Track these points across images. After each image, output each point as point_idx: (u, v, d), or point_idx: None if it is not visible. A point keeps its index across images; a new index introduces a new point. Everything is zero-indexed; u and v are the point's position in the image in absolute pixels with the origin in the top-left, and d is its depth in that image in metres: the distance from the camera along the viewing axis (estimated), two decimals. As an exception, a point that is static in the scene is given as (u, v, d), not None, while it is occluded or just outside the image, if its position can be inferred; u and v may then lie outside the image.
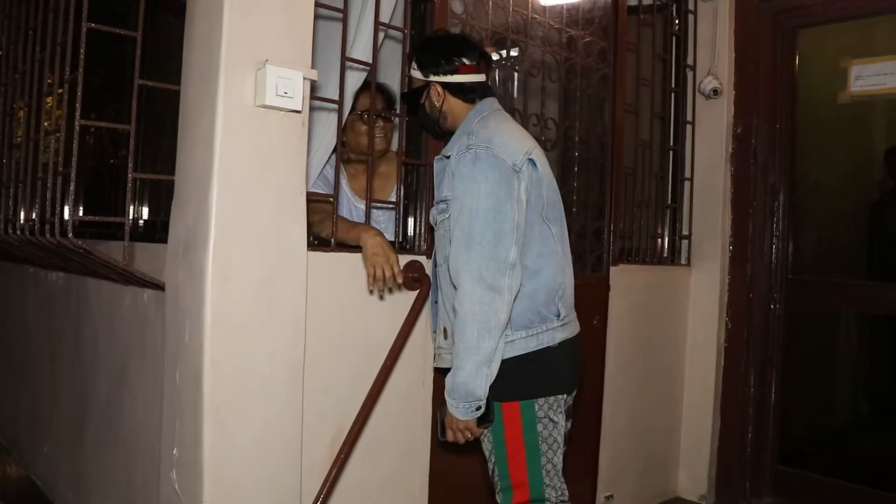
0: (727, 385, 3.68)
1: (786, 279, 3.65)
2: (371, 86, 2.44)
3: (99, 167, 3.93)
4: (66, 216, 2.11)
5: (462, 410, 1.97)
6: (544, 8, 3.00)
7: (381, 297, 2.36)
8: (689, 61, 3.74)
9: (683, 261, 3.73)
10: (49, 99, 2.50)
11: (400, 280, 2.26)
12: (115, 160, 3.80)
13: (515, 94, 2.98)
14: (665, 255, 3.67)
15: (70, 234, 2.07)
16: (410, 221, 2.61)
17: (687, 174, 3.73)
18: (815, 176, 3.78)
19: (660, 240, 3.67)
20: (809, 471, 3.57)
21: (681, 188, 3.72)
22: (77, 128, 2.04)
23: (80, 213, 3.57)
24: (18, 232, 2.53)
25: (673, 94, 3.71)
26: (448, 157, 2.10)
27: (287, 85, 2.00)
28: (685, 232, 3.73)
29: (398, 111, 2.64)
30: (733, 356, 3.67)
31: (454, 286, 1.99)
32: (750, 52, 3.68)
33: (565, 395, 2.12)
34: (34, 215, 2.43)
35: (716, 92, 3.67)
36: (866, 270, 3.61)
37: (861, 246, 3.68)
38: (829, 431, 3.82)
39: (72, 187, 2.03)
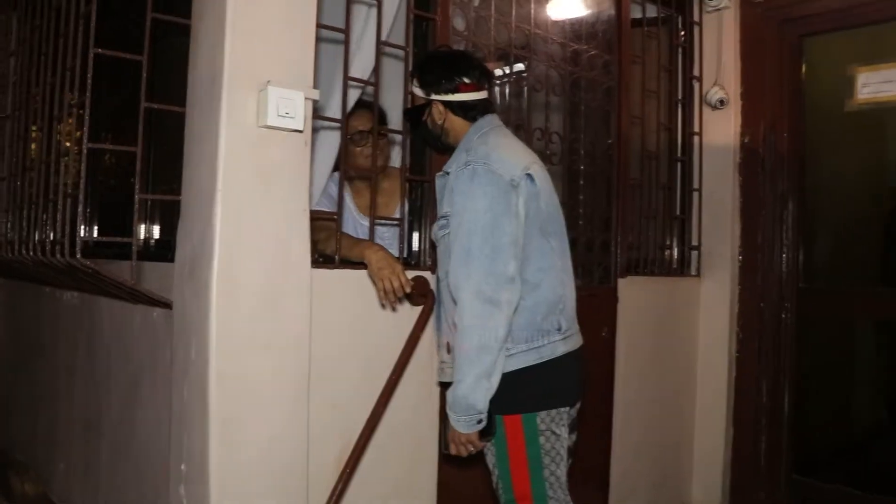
0: (739, 395, 3.66)
1: (797, 288, 3.63)
2: (361, 105, 2.49)
3: (119, 188, 3.99)
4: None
5: (464, 424, 1.99)
6: (547, 23, 3.02)
7: (394, 309, 2.40)
8: (695, 72, 3.74)
9: (693, 271, 3.72)
10: (70, 120, 2.56)
11: (408, 289, 2.28)
12: (135, 180, 3.86)
13: (524, 109, 2.99)
14: (674, 266, 3.67)
15: (78, 255, 2.12)
16: (415, 237, 2.64)
17: (695, 185, 3.73)
18: (825, 184, 3.77)
19: (669, 251, 3.67)
20: (826, 481, 3.54)
21: (689, 199, 3.72)
22: (85, 150, 2.10)
23: (96, 234, 3.63)
24: (31, 252, 2.59)
25: (679, 106, 3.72)
26: (449, 174, 2.13)
27: (288, 105, 2.03)
28: (695, 243, 3.73)
29: (390, 126, 2.70)
30: (745, 366, 3.66)
31: (454, 301, 2.02)
32: (756, 62, 3.69)
33: (568, 408, 2.13)
34: (49, 236, 2.49)
35: (722, 102, 3.67)
36: (880, 277, 3.58)
37: (875, 253, 3.66)
38: (846, 440, 3.78)
39: (80, 208, 2.09)
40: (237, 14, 2.01)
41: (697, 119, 3.74)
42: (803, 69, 3.68)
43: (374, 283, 2.30)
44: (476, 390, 1.94)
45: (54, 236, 2.37)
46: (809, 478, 3.59)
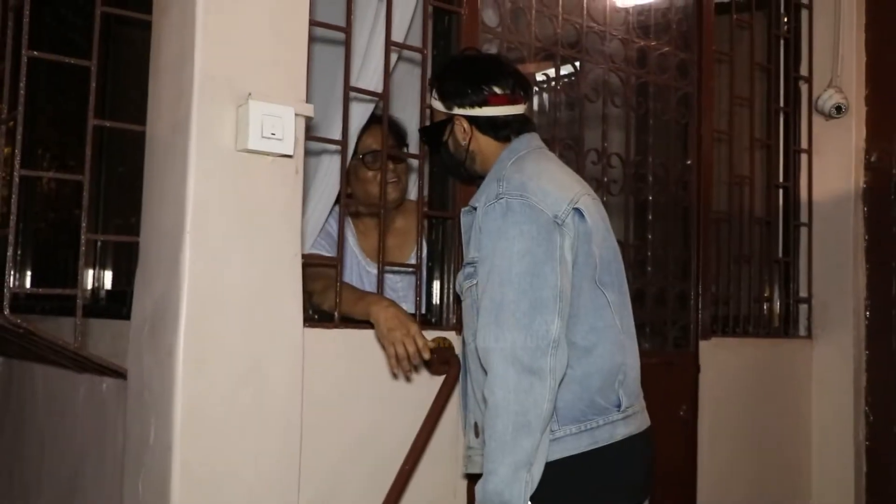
0: (875, 499, 3.67)
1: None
2: (377, 121, 2.61)
3: (60, 223, 4.05)
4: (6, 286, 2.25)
5: (497, 528, 2.06)
6: (605, 14, 3.12)
7: (409, 380, 2.49)
8: (803, 71, 3.84)
9: (802, 332, 3.79)
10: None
11: (427, 355, 2.37)
12: (80, 214, 3.93)
13: (575, 124, 3.09)
14: (776, 324, 3.73)
15: (6, 310, 2.21)
16: (436, 288, 2.73)
17: (803, 218, 3.81)
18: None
19: (769, 305, 3.73)
20: None
21: (795, 237, 3.80)
22: (17, 178, 2.20)
23: (29, 283, 3.72)
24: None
25: (781, 115, 3.81)
26: (476, 209, 2.21)
27: (275, 124, 2.15)
28: (803, 294, 3.79)
29: (410, 150, 2.82)
30: (880, 460, 3.68)
31: (484, 370, 2.10)
32: (888, 54, 3.75)
33: (631, 508, 2.21)
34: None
35: (840, 109, 3.74)
36: None
37: None
38: None
39: (9, 252, 2.19)
40: (210, 7, 2.12)
41: (805, 132, 3.83)
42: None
43: (384, 347, 2.39)
44: (513, 484, 2.00)
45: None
46: None
